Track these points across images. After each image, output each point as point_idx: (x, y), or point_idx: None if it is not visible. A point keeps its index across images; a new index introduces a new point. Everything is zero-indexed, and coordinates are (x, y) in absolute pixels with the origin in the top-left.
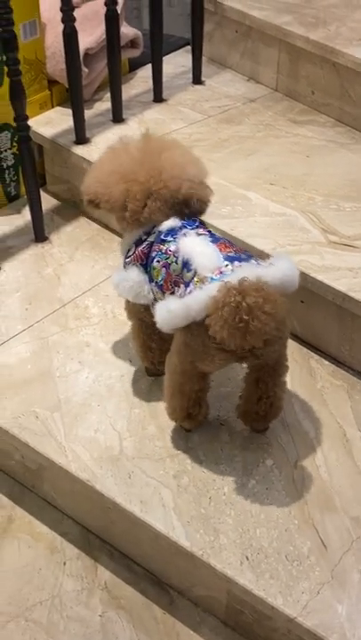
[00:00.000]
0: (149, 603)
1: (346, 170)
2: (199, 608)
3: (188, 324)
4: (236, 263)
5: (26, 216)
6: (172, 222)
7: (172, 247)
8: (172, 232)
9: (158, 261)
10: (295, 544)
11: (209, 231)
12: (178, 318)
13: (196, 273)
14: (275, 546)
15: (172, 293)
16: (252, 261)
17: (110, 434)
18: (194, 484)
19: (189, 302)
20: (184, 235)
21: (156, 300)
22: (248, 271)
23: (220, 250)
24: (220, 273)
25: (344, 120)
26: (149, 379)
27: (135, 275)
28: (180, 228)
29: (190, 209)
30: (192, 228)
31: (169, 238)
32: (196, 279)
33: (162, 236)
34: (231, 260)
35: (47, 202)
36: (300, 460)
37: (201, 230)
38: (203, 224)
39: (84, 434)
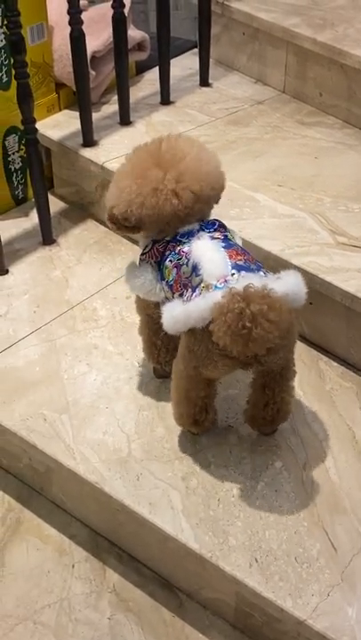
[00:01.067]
0: (158, 605)
1: (354, 171)
2: (208, 611)
3: (193, 330)
4: (242, 273)
5: (33, 219)
6: (190, 225)
7: (186, 248)
8: (190, 233)
9: (171, 261)
10: (305, 546)
11: (225, 235)
12: (179, 324)
13: (202, 279)
14: (284, 548)
15: (181, 295)
16: (260, 273)
17: (119, 436)
18: (202, 486)
19: (190, 309)
20: (198, 238)
21: (166, 298)
22: (253, 281)
23: (230, 257)
24: (225, 281)
25: (352, 121)
26: (158, 380)
27: (148, 272)
28: (198, 231)
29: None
30: (209, 232)
31: (184, 239)
32: (202, 285)
33: (178, 237)
34: (239, 268)
35: (55, 204)
36: (310, 462)
37: (217, 234)
38: (223, 227)
39: (92, 436)
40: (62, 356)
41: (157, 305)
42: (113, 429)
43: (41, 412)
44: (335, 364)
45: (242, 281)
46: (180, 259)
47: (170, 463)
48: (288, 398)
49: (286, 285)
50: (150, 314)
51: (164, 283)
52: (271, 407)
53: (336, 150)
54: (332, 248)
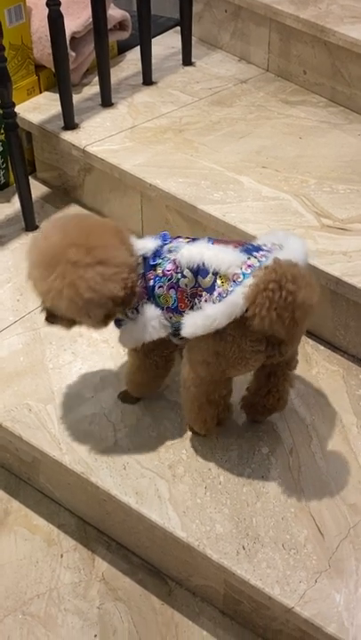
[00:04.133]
0: (147, 593)
1: (339, 151)
2: (197, 598)
3: (222, 335)
4: (255, 254)
5: (15, 204)
6: (150, 245)
7: (169, 266)
8: (158, 253)
9: (161, 287)
10: (292, 532)
11: (189, 238)
12: (220, 320)
13: (217, 274)
14: (271, 535)
15: (192, 308)
16: (265, 248)
17: (105, 425)
18: (189, 473)
19: (233, 300)
20: (170, 250)
21: (172, 325)
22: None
23: (227, 246)
24: (249, 266)
25: (337, 100)
26: None
27: (153, 309)
28: (162, 247)
29: None
30: (170, 242)
31: (158, 260)
32: (219, 280)
33: (150, 262)
34: (248, 252)
35: (37, 189)
36: (296, 448)
37: (181, 239)
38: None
39: (77, 426)
40: (47, 344)
41: (163, 341)
42: (99, 419)
43: (26, 402)
44: (322, 347)
45: (264, 260)
46: (170, 278)
47: (156, 451)
48: (289, 387)
49: (297, 252)
50: (165, 354)
51: (164, 311)
52: (273, 395)
53: (321, 130)
54: (316, 231)
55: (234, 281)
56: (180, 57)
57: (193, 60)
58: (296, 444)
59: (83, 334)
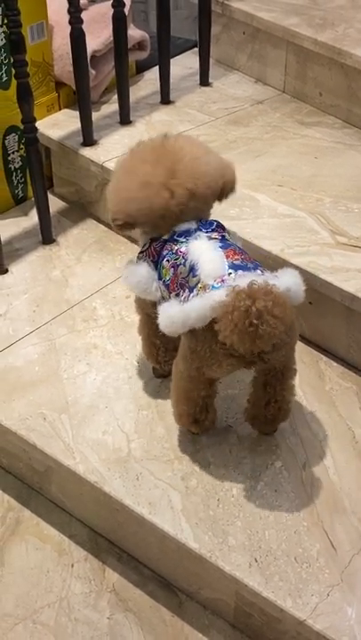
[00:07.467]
0: (158, 605)
1: (354, 171)
2: (208, 611)
3: (194, 331)
4: (239, 272)
5: (33, 218)
6: (188, 224)
7: (183, 248)
8: (187, 233)
9: (168, 261)
10: (304, 546)
11: (223, 235)
12: (176, 324)
13: (200, 280)
14: (284, 548)
15: (177, 295)
16: (257, 271)
17: (118, 435)
18: (202, 485)
19: (188, 310)
20: (196, 237)
21: (163, 298)
22: (251, 278)
23: (227, 257)
24: (223, 281)
25: (352, 121)
26: (157, 380)
27: (145, 271)
28: (195, 230)
29: (226, 197)
30: (206, 231)
31: (182, 239)
32: (199, 285)
33: (175, 236)
34: (235, 268)
35: (54, 204)
36: (309, 462)
37: (214, 234)
38: (221, 227)
39: (91, 435)
40: (62, 355)
41: (155, 304)
42: (112, 429)
43: (40, 411)
44: (335, 364)
45: (239, 280)
46: (177, 258)
47: (169, 463)
48: (289, 397)
49: (285, 284)
50: (149, 313)
51: (160, 282)
52: (272, 405)
53: (336, 150)
54: (332, 248)
55: (205, 291)
56: (198, 77)
57: (210, 80)
58: (309, 458)
59: (97, 346)
